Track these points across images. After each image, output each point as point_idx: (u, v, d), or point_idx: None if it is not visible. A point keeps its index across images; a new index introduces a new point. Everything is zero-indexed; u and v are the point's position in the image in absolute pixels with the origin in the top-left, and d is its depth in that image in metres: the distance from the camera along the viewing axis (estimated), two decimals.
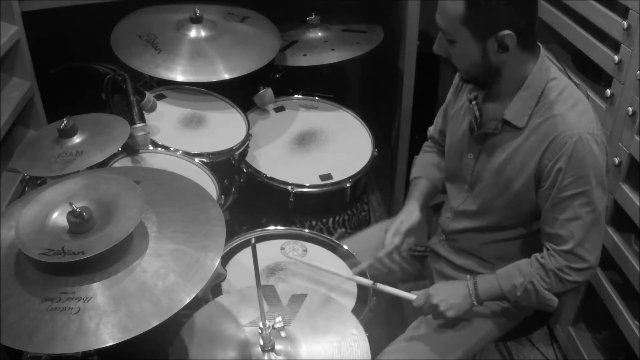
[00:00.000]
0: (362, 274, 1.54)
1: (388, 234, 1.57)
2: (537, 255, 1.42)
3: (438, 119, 1.72)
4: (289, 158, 1.95)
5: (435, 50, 1.39)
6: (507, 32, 1.27)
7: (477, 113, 1.46)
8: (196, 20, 1.93)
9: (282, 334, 1.16)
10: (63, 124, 1.45)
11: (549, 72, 1.37)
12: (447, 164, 1.63)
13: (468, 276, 1.47)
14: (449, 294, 1.45)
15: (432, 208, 1.77)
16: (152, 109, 1.76)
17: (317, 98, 2.17)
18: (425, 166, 1.71)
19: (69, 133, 1.46)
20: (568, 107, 1.34)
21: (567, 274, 1.38)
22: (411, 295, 1.48)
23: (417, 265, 1.79)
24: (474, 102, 1.46)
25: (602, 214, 1.38)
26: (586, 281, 1.44)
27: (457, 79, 1.58)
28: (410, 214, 1.61)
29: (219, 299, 1.32)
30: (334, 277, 1.53)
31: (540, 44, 1.39)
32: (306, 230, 1.71)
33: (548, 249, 1.40)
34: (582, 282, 1.40)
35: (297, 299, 1.30)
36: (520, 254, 1.50)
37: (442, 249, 1.66)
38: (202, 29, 1.93)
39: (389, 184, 2.53)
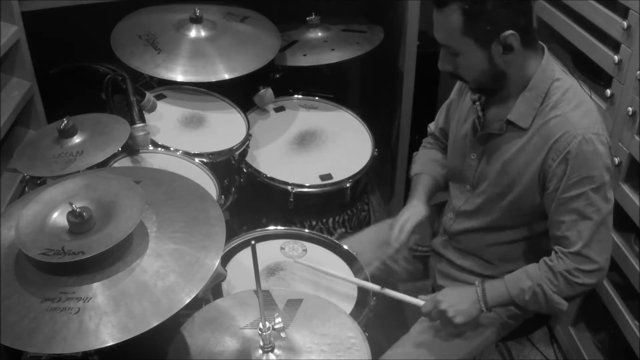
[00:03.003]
0: (367, 278, 1.53)
1: (394, 232, 1.56)
2: (546, 258, 1.40)
3: (440, 117, 1.71)
4: (289, 158, 1.95)
5: (440, 67, 1.39)
6: (509, 32, 1.27)
7: (480, 114, 1.46)
8: (196, 20, 1.93)
9: (282, 334, 1.16)
10: (63, 124, 1.45)
11: (554, 73, 1.37)
12: (449, 164, 1.62)
13: (477, 282, 1.45)
14: (457, 299, 1.43)
15: (435, 208, 1.76)
16: (152, 109, 1.76)
17: (317, 98, 2.17)
18: (427, 162, 1.71)
19: (69, 133, 1.45)
20: (572, 108, 1.34)
21: (575, 277, 1.36)
22: (419, 301, 1.47)
23: (419, 266, 1.78)
24: (477, 103, 1.46)
25: (609, 214, 1.36)
26: (596, 284, 1.40)
27: None
28: (415, 209, 1.60)
29: (218, 301, 1.32)
30: (336, 278, 1.52)
31: (543, 45, 1.39)
32: (306, 230, 1.71)
33: (556, 252, 1.39)
34: (591, 284, 1.38)
35: (293, 303, 1.30)
36: (523, 256, 1.49)
37: (444, 249, 1.66)
38: (202, 29, 1.93)
39: (389, 184, 2.53)
